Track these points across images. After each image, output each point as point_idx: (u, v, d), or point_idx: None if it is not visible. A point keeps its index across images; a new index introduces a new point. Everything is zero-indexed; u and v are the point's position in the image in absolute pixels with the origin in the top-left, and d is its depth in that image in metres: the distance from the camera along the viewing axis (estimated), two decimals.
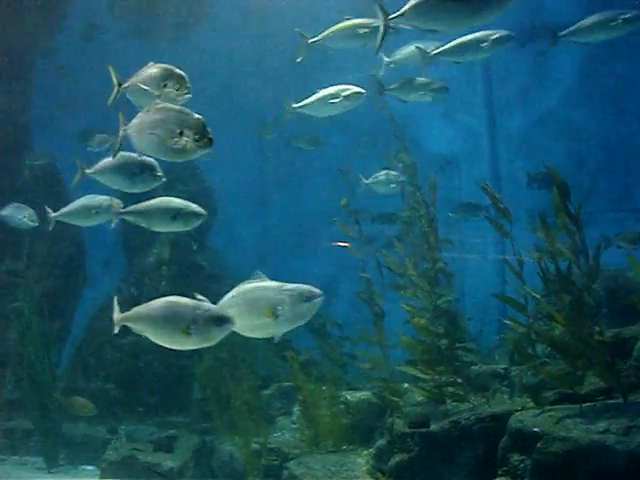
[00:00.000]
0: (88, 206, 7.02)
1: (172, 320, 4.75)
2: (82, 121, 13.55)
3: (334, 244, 8.02)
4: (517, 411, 6.21)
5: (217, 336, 4.74)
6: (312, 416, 8.21)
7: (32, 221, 9.39)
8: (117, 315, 5.07)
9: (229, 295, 5.03)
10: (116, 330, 5.10)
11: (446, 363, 7.10)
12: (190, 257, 11.62)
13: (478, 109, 13.92)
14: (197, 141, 4.95)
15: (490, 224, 7.02)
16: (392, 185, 9.21)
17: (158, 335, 4.89)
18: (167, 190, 7.18)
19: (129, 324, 5.01)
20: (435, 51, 7.45)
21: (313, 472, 7.14)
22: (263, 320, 4.87)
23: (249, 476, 8.15)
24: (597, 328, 6.15)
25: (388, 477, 6.75)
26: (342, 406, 8.28)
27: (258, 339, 5.47)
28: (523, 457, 5.71)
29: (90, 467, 9.64)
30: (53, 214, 7.42)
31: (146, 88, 5.40)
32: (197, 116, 4.99)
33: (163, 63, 5.47)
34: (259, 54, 14.12)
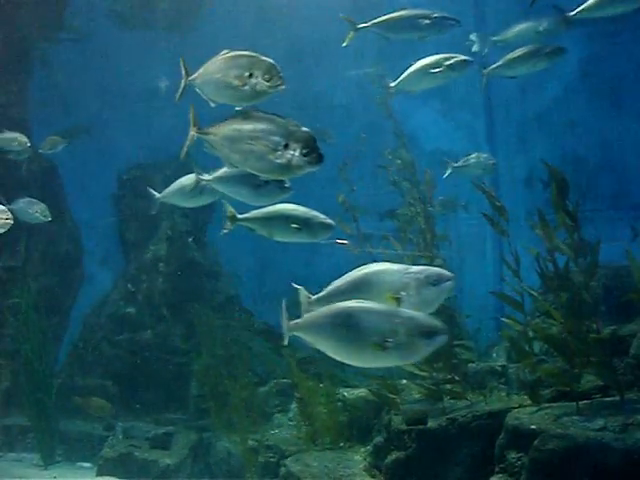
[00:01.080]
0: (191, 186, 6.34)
1: (361, 331, 3.82)
2: (81, 118, 13.57)
3: (334, 242, 7.99)
4: (514, 409, 6.21)
5: (424, 352, 3.87)
6: (309, 413, 8.20)
7: (44, 216, 8.74)
8: (286, 323, 4.17)
9: (344, 279, 4.32)
10: (285, 342, 4.20)
11: (444, 360, 7.09)
12: (188, 253, 11.57)
13: (476, 106, 13.87)
14: (305, 156, 4.28)
15: (488, 222, 7.00)
16: (483, 168, 8.68)
17: (340, 350, 3.97)
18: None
19: (300, 334, 4.10)
20: (577, 10, 6.64)
21: (310, 469, 7.13)
22: None
23: (246, 473, 8.15)
24: (594, 326, 6.16)
25: (385, 474, 6.74)
26: (339, 403, 8.27)
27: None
28: (520, 454, 5.71)
29: (87, 464, 9.64)
30: (157, 195, 6.81)
31: (220, 77, 4.75)
32: (305, 128, 4.31)
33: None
34: (257, 51, 14.08)
